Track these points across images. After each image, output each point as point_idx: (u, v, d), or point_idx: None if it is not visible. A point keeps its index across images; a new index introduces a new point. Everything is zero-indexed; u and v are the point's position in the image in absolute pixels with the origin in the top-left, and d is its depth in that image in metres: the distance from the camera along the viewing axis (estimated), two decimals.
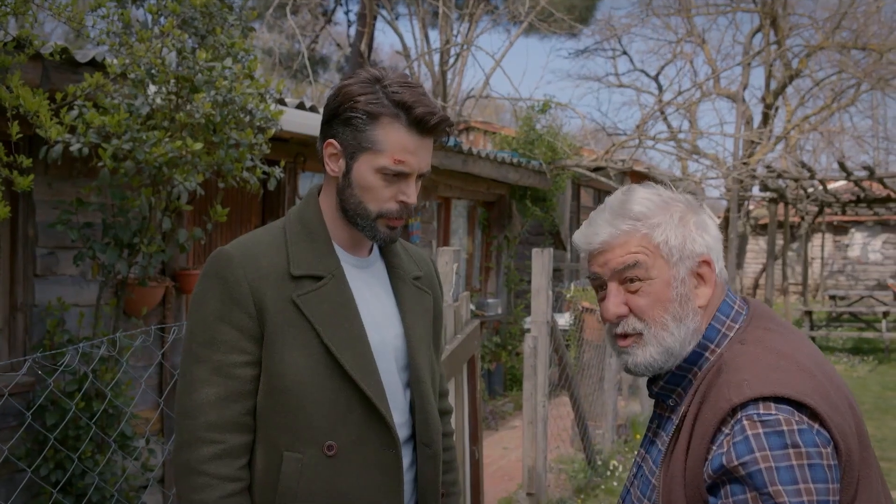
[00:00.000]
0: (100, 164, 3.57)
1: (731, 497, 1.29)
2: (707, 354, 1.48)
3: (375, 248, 1.89)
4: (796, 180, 12.27)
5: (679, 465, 1.40)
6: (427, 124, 1.73)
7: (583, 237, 1.55)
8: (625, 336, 1.50)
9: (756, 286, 20.22)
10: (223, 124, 3.50)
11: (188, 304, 1.69)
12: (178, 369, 1.78)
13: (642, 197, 1.52)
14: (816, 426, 1.29)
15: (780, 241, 17.28)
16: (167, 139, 3.40)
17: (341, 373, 1.68)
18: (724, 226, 12.70)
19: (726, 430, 1.32)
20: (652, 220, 1.48)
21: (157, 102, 3.45)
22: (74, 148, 3.58)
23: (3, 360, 3.94)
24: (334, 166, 1.74)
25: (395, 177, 1.71)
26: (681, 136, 13.65)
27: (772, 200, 14.22)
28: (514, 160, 9.33)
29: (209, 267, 1.71)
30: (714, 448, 1.33)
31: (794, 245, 20.76)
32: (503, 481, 6.65)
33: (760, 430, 1.28)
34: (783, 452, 1.26)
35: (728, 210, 11.77)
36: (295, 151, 6.38)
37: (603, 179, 10.01)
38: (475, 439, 4.30)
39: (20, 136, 2.67)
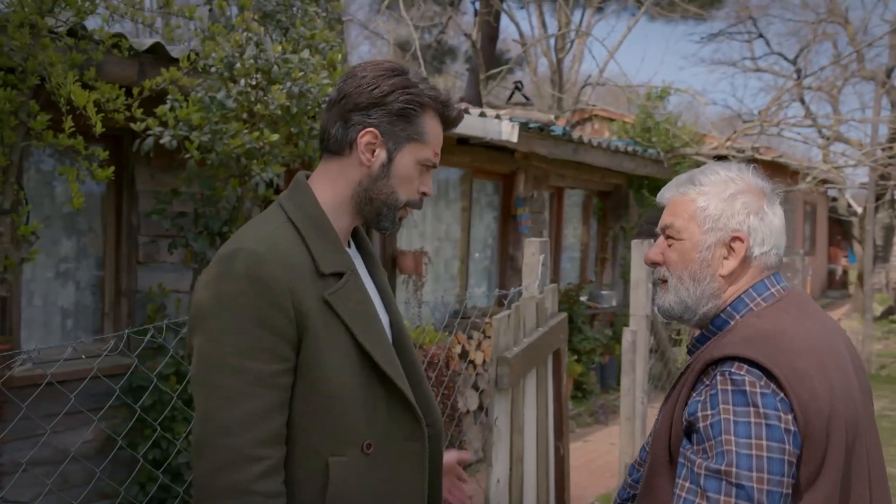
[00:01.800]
0: (187, 155, 3.69)
1: (696, 444, 1.46)
2: (732, 322, 1.63)
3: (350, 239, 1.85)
4: None
5: (669, 412, 1.58)
6: (455, 121, 1.76)
7: (659, 194, 1.77)
8: (661, 281, 1.73)
9: None
10: (300, 115, 3.54)
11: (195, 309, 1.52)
12: None
13: (710, 171, 1.69)
14: (781, 395, 1.43)
15: None
16: (245, 131, 3.48)
17: (373, 370, 1.65)
18: (864, 216, 11.94)
19: (706, 381, 1.49)
20: (705, 189, 1.65)
21: (236, 95, 3.52)
22: (164, 140, 3.72)
23: (104, 340, 4.15)
24: (370, 155, 1.70)
25: (426, 169, 1.74)
26: (821, 121, 12.92)
27: None
28: (630, 149, 9.07)
29: (235, 267, 1.56)
30: (693, 395, 1.51)
31: None
32: (605, 477, 6.51)
33: (729, 388, 1.44)
34: (744, 409, 1.42)
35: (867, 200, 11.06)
36: None
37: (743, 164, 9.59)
38: (560, 435, 4.21)
39: (103, 130, 2.76)
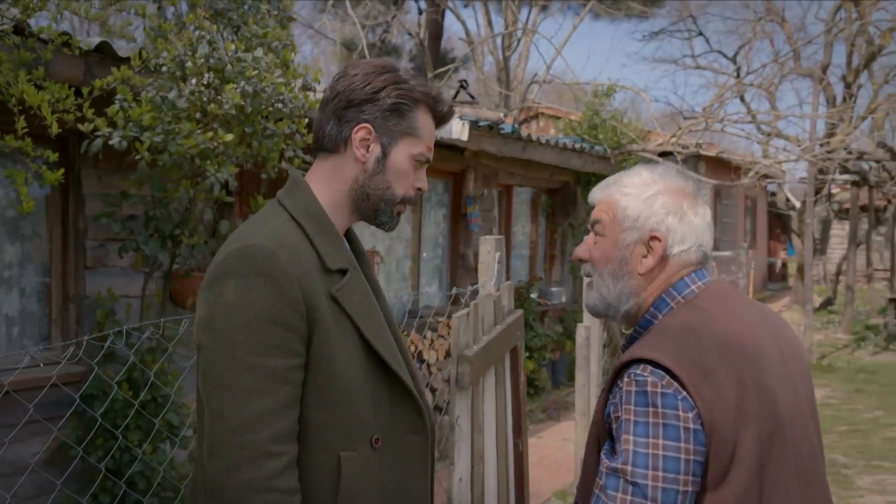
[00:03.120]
0: (137, 157, 3.61)
1: (612, 443, 1.52)
2: (655, 322, 1.68)
3: None
4: (878, 162, 11.72)
5: (596, 415, 1.62)
6: (446, 117, 1.81)
7: (590, 194, 1.81)
8: (588, 277, 1.79)
9: (839, 272, 19.47)
10: (255, 115, 3.49)
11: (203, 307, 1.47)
12: None
13: (634, 173, 1.75)
14: (683, 394, 1.46)
15: (865, 226, 16.58)
16: (199, 131, 3.42)
17: (379, 364, 1.67)
18: (803, 210, 12.23)
19: (620, 384, 1.53)
20: (626, 190, 1.70)
21: (188, 94, 3.46)
22: (114, 141, 3.64)
23: (55, 347, 4.04)
24: (364, 151, 1.72)
25: (420, 165, 1.77)
26: (760, 117, 13.20)
27: (854, 183, 13.63)
28: (577, 146, 9.15)
29: (244, 263, 1.55)
30: (610, 398, 1.56)
31: (883, 229, 19.89)
32: (560, 473, 6.56)
33: (633, 389, 1.49)
34: (644, 410, 1.46)
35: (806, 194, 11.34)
36: None
37: (671, 164, 9.75)
38: (519, 431, 4.23)
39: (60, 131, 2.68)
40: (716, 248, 15.90)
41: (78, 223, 4.41)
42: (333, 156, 1.73)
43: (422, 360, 6.83)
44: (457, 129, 6.80)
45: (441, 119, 1.80)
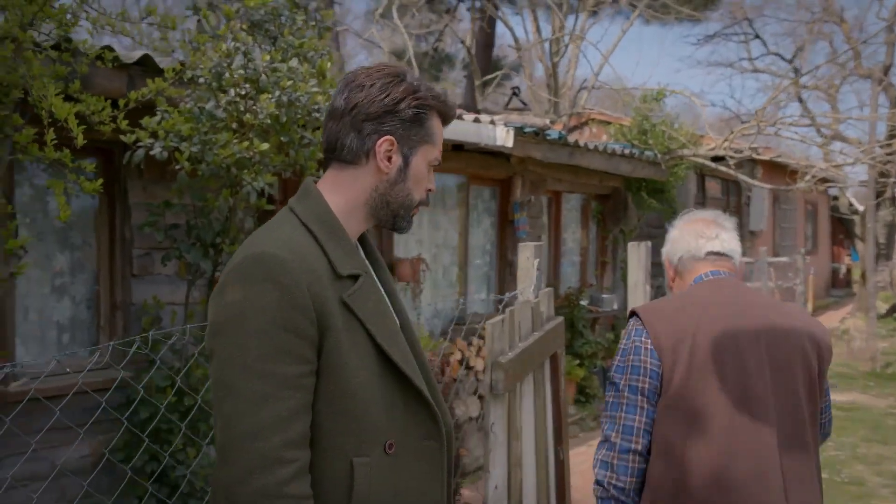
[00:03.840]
0: (177, 167, 3.68)
1: None
2: None
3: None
4: None
5: None
6: (453, 118, 1.84)
7: None
8: None
9: None
10: (290, 124, 3.53)
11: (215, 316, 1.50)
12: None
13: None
14: (645, 329, 2.24)
15: None
16: (235, 141, 3.47)
17: (391, 369, 1.68)
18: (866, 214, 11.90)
19: None
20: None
21: (225, 105, 3.52)
22: (154, 151, 3.72)
23: (100, 353, 4.13)
24: (387, 162, 1.73)
25: (433, 168, 1.81)
26: (819, 120, 12.90)
27: None
28: (626, 151, 9.05)
29: (255, 270, 1.57)
30: None
31: None
32: None
33: (626, 328, 2.32)
34: (625, 339, 2.29)
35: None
36: None
37: (723, 169, 9.57)
38: (560, 439, 4.18)
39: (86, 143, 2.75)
40: (774, 253, 15.57)
41: (124, 232, 4.51)
42: (352, 167, 1.74)
43: (469, 368, 6.81)
44: (501, 136, 6.78)
45: (449, 120, 1.83)
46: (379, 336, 1.65)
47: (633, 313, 2.31)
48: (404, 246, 6.90)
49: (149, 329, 4.39)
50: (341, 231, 1.70)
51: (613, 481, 2.20)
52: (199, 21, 3.76)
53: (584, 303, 8.85)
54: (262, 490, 1.49)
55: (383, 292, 1.83)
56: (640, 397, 2.18)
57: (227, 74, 3.52)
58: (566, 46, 11.43)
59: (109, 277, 4.55)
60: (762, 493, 2.11)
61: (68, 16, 2.61)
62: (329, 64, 3.95)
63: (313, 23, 4.16)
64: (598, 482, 2.24)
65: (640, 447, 2.19)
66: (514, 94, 15.54)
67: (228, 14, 3.44)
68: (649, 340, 2.21)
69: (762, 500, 2.11)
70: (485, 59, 15.62)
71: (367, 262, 1.81)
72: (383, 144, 1.71)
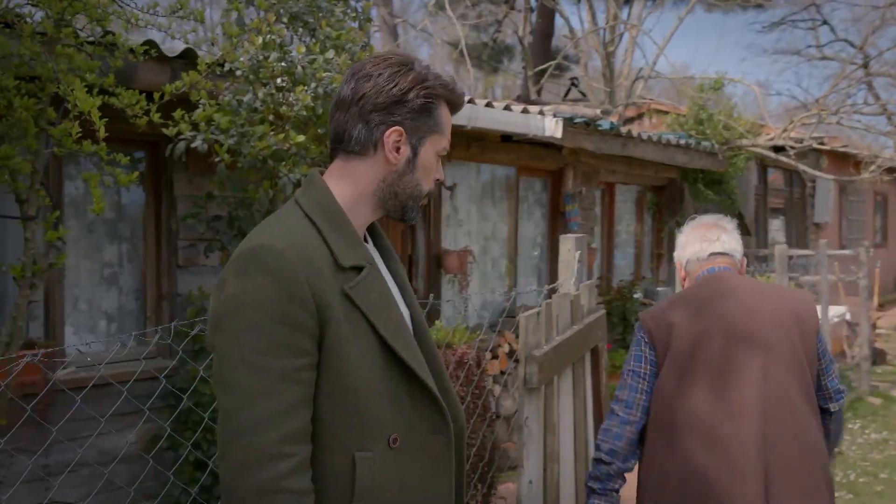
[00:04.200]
0: (217, 159, 3.72)
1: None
2: None
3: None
4: None
5: None
6: (459, 108, 1.80)
7: None
8: None
9: None
10: (327, 115, 3.54)
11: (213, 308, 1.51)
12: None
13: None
14: (642, 325, 2.70)
15: None
16: (272, 133, 3.49)
17: (396, 362, 1.65)
18: None
19: None
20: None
21: (263, 97, 3.54)
22: (195, 144, 3.76)
23: (146, 341, 4.21)
24: (396, 153, 1.71)
25: (441, 158, 1.79)
26: (890, 107, 12.46)
27: None
28: (682, 142, 8.87)
29: (252, 263, 1.55)
30: None
31: None
32: None
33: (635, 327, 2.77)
34: (634, 339, 2.75)
35: None
36: None
37: (784, 159, 9.31)
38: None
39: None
40: (841, 246, 15.11)
41: (170, 224, 4.59)
42: (359, 157, 1.71)
43: (517, 361, 6.76)
44: (550, 127, 6.71)
45: (457, 108, 1.79)
46: (382, 328, 1.62)
47: (639, 318, 2.79)
48: (452, 238, 6.88)
49: (193, 319, 4.46)
50: (345, 222, 1.68)
51: (608, 445, 2.62)
52: (237, 14, 3.78)
53: (637, 295, 8.71)
54: (259, 485, 1.47)
55: (393, 283, 1.81)
56: (639, 381, 2.64)
57: (263, 67, 3.54)
58: (621, 36, 11.24)
59: (156, 268, 4.63)
60: (738, 485, 2.36)
61: (97, 10, 2.64)
62: (366, 55, 3.94)
63: (353, 14, 4.15)
64: (595, 446, 2.67)
65: (636, 419, 2.62)
66: (573, 84, 15.35)
67: (262, 6, 3.46)
68: (646, 336, 2.67)
69: (738, 493, 2.36)
70: (543, 50, 15.45)
71: (371, 253, 1.78)
72: (392, 135, 1.68)
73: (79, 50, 2.81)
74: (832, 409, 2.65)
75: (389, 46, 17.11)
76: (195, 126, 3.83)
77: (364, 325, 1.61)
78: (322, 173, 1.77)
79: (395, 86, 1.68)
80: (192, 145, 3.81)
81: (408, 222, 1.81)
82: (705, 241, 2.77)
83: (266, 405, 1.49)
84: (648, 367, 2.63)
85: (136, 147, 4.55)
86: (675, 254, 2.90)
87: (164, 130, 3.65)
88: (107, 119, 2.96)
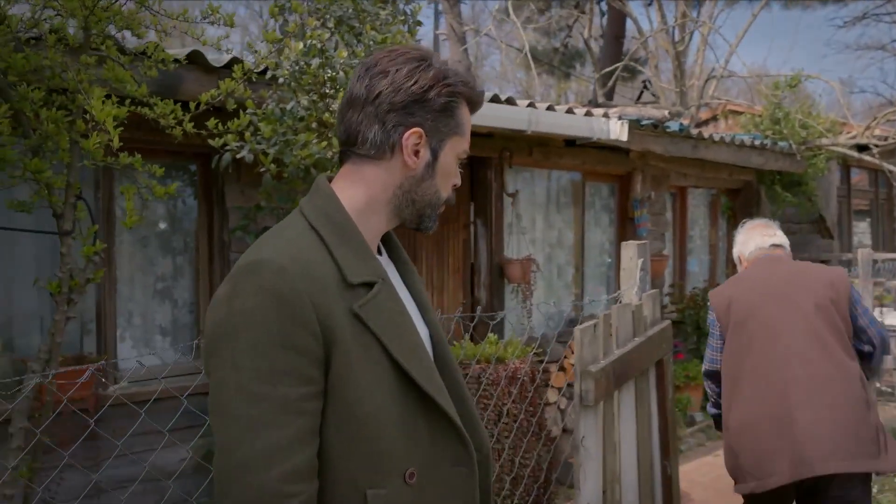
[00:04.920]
0: (262, 169, 3.63)
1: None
2: None
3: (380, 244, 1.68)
4: None
5: None
6: (479, 107, 1.64)
7: None
8: None
9: None
10: None
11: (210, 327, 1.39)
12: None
13: None
14: (711, 301, 3.59)
15: None
16: (314, 140, 3.38)
17: (412, 388, 1.48)
18: None
19: None
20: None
21: (305, 105, 3.43)
22: (241, 155, 3.69)
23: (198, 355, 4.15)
24: (415, 157, 1.55)
25: (460, 162, 1.63)
26: None
27: None
28: (757, 142, 8.49)
29: (252, 280, 1.39)
30: None
31: None
32: (734, 497, 6.04)
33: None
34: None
35: None
36: (500, 147, 6.23)
37: (868, 158, 8.83)
38: (667, 453, 3.88)
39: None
40: None
41: (223, 236, 4.53)
42: (373, 161, 1.55)
43: None
44: (615, 130, 6.48)
45: (477, 107, 1.62)
46: (396, 351, 1.45)
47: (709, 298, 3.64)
48: (515, 246, 6.70)
49: None
50: (354, 233, 1.51)
51: (710, 387, 3.77)
52: (284, 20, 3.70)
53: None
54: None
55: (410, 300, 1.64)
56: (716, 341, 3.57)
57: (306, 73, 3.44)
58: (691, 34, 10.88)
59: (209, 281, 4.58)
60: (775, 438, 3.19)
61: (123, 18, 2.57)
62: None
63: (402, 17, 4.02)
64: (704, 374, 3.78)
65: (717, 367, 3.60)
66: (646, 87, 15.00)
67: (298, 10, 3.35)
68: (713, 310, 3.56)
69: (776, 447, 3.19)
70: (614, 53, 15.12)
71: (386, 267, 1.61)
72: (411, 137, 1.52)
73: (113, 61, 2.74)
74: (866, 350, 3.42)
75: (458, 55, 17.03)
76: (241, 136, 3.76)
77: (376, 348, 1.44)
78: (330, 179, 1.61)
79: (414, 83, 1.51)
80: (238, 156, 3.74)
81: (424, 232, 1.63)
82: (765, 235, 3.65)
83: (267, 439, 1.33)
84: (718, 335, 3.53)
85: (188, 159, 4.52)
86: (736, 249, 3.76)
87: (210, 141, 3.59)
88: (149, 131, 2.91)
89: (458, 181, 1.63)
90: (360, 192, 1.56)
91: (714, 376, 3.65)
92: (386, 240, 1.68)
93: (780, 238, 3.66)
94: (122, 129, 2.56)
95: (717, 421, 3.76)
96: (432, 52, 1.59)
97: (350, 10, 3.73)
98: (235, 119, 3.52)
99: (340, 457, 1.41)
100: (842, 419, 3.12)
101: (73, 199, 2.72)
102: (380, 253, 1.64)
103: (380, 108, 1.52)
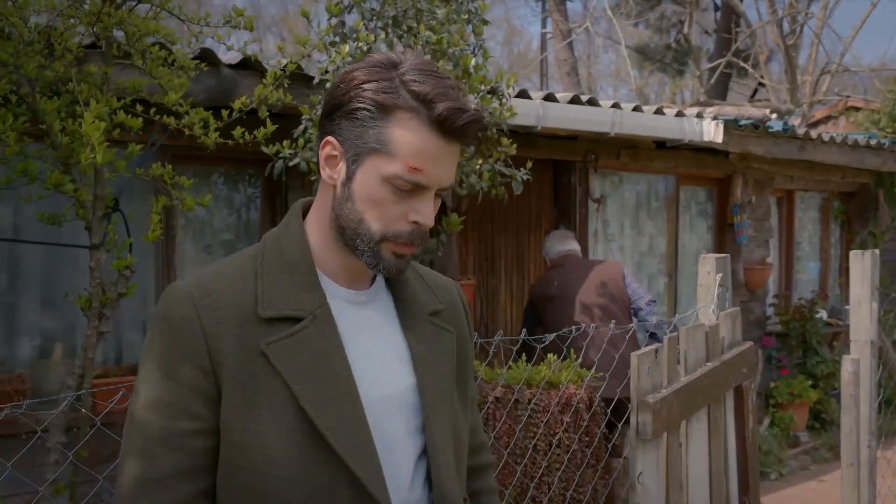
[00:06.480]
0: (313, 177, 3.52)
1: None
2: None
3: (380, 278, 1.46)
4: None
5: None
6: (453, 124, 1.29)
7: None
8: None
9: None
10: None
11: None
12: None
13: None
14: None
15: None
16: None
17: (323, 444, 1.27)
18: None
19: None
20: None
21: None
22: (293, 163, 3.60)
23: None
24: (332, 171, 1.34)
25: (409, 190, 1.31)
26: None
27: None
28: (873, 142, 7.86)
29: (158, 306, 1.32)
30: None
31: None
32: None
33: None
34: None
35: None
36: (584, 150, 5.94)
37: None
38: (746, 489, 3.54)
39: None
40: None
41: None
42: (321, 179, 1.39)
43: None
44: (709, 130, 6.08)
45: (444, 125, 1.28)
46: (304, 398, 1.26)
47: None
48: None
49: None
50: (300, 262, 1.34)
51: None
52: (336, 23, 3.56)
53: (821, 315, 7.79)
54: None
55: (398, 344, 1.41)
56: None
57: None
58: (801, 27, 10.23)
59: None
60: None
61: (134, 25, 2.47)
62: (474, 60, 3.60)
63: (465, 16, 3.82)
64: None
65: None
66: (760, 84, 14.28)
67: (333, 11, 3.19)
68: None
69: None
70: (726, 47, 14.48)
71: (372, 303, 1.41)
72: (325, 147, 1.34)
73: (137, 68, 2.66)
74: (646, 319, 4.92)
75: (564, 54, 16.72)
76: (294, 142, 3.66)
77: (283, 392, 1.26)
78: (310, 200, 1.45)
79: (337, 86, 1.34)
80: (290, 164, 3.64)
81: (382, 273, 1.37)
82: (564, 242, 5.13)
83: (138, 469, 1.26)
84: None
85: (252, 166, 4.45)
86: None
87: (263, 149, 3.51)
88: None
89: (422, 218, 1.32)
90: (318, 214, 1.39)
91: None
92: (395, 280, 1.46)
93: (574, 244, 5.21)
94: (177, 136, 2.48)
95: None
96: (404, 58, 1.34)
97: (409, 10, 3.56)
98: (263, 128, 3.41)
99: None
100: None
101: (100, 211, 2.64)
102: (370, 285, 1.43)
103: (321, 113, 1.38)
